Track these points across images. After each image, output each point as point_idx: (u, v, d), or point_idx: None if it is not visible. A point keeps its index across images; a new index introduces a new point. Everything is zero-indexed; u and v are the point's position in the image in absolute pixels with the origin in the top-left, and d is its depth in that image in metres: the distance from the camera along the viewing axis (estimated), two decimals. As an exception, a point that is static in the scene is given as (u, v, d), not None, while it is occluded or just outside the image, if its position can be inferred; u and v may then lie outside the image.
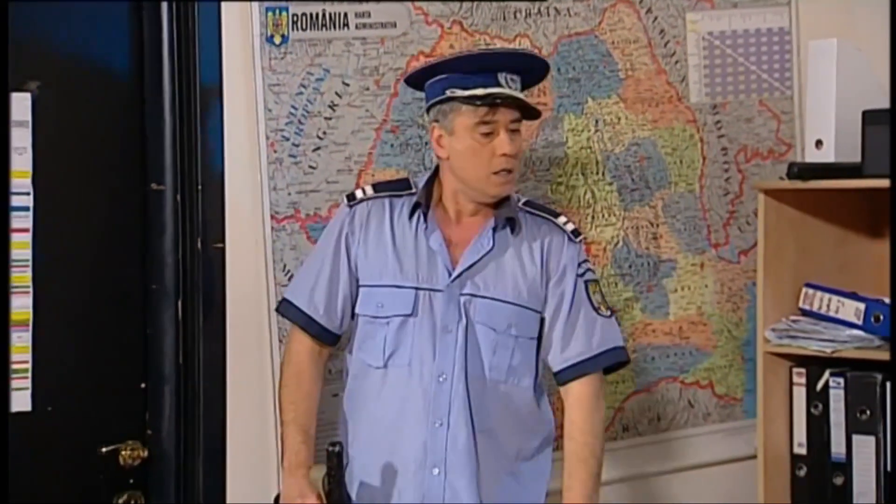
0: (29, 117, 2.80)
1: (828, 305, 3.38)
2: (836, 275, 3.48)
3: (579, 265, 2.92)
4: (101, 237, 2.94)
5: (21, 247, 2.80)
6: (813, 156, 3.40)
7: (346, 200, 2.93)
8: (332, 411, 2.98)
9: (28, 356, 2.81)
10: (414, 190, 2.91)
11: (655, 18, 3.50)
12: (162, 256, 2.98)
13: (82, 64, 2.89)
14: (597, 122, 3.43)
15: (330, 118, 3.11)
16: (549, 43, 3.37)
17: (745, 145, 3.63)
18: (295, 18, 3.06)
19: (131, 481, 2.96)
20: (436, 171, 2.93)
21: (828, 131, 3.37)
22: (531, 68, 2.93)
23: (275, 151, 3.06)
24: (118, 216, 2.96)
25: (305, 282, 2.92)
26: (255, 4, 3.02)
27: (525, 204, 2.96)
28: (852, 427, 3.32)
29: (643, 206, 3.50)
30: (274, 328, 3.05)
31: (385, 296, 2.86)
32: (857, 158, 3.29)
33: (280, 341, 3.04)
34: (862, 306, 3.33)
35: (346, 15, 3.11)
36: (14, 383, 2.79)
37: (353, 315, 2.91)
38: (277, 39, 3.05)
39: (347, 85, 3.11)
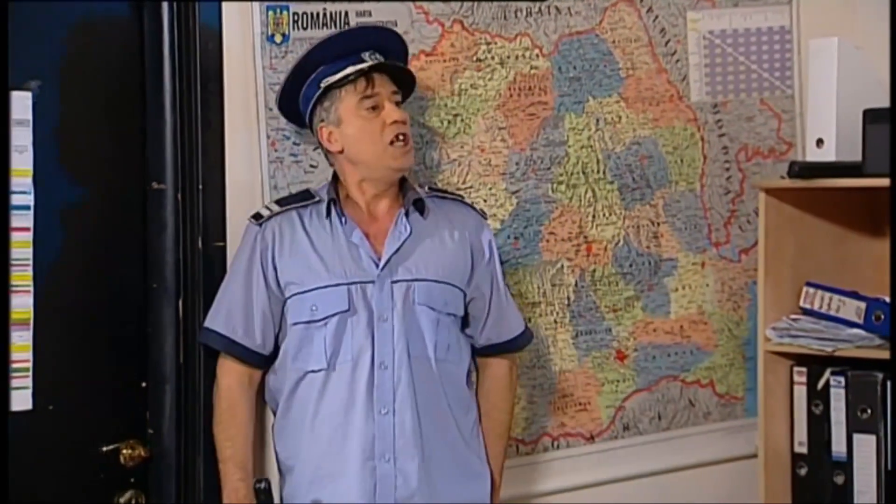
0: (29, 116, 2.80)
1: (828, 304, 3.38)
2: (837, 274, 3.48)
3: (493, 242, 3.02)
4: (101, 236, 2.93)
5: (21, 246, 2.80)
6: (814, 155, 3.40)
7: (253, 220, 2.93)
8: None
9: (29, 355, 2.81)
10: (318, 198, 2.93)
11: (656, 17, 3.50)
12: (162, 255, 2.98)
13: (84, 61, 2.89)
14: (597, 121, 3.43)
15: (330, 117, 3.10)
16: (550, 42, 3.36)
17: (745, 144, 3.63)
18: (296, 17, 3.06)
19: (132, 480, 2.96)
20: (335, 177, 2.95)
21: (828, 130, 3.37)
22: (390, 43, 2.97)
23: (275, 150, 3.06)
24: (119, 215, 2.96)
25: (221, 306, 2.91)
26: (256, 3, 3.02)
27: (430, 189, 3.03)
28: (853, 426, 3.32)
29: (644, 204, 3.50)
30: (274, 327, 3.04)
31: (317, 298, 2.86)
32: (858, 157, 3.28)
33: (280, 340, 3.04)
34: (863, 305, 3.33)
35: (346, 14, 3.11)
36: (15, 382, 2.78)
37: (276, 332, 2.90)
38: (278, 38, 3.05)
39: (347, 84, 3.11)
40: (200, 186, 2.97)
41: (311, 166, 3.09)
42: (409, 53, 3.06)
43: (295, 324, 2.88)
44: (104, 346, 2.94)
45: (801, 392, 3.40)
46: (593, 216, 3.43)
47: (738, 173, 3.62)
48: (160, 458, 2.97)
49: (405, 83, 2.96)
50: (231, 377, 2.90)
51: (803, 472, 3.41)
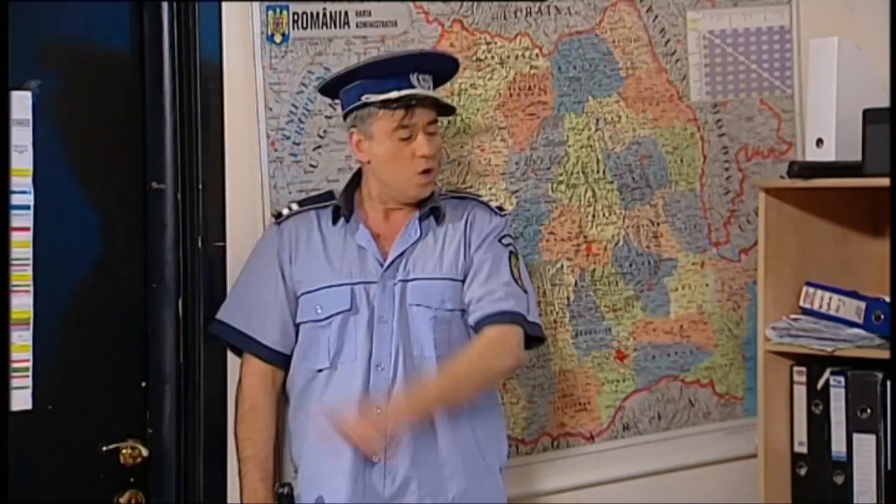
0: (30, 116, 2.80)
1: (828, 304, 3.38)
2: (837, 273, 3.48)
3: (504, 236, 2.97)
4: (101, 236, 2.93)
5: (21, 245, 2.80)
6: (813, 154, 3.40)
7: (273, 219, 2.96)
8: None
9: (29, 355, 2.81)
10: (337, 200, 2.95)
11: (656, 17, 3.50)
12: (163, 255, 2.98)
13: (84, 62, 2.89)
14: (597, 120, 3.43)
15: (330, 117, 3.11)
16: (550, 42, 3.36)
17: (745, 144, 3.63)
18: (295, 17, 3.06)
19: (132, 480, 2.95)
20: (357, 175, 2.97)
21: (828, 130, 3.37)
22: (441, 67, 2.97)
23: (275, 150, 3.06)
24: (119, 215, 2.96)
25: (240, 304, 2.93)
26: (256, 3, 3.02)
27: (451, 192, 3.04)
28: (853, 426, 3.32)
29: (644, 204, 3.50)
30: (274, 327, 3.04)
31: (322, 297, 2.88)
32: (858, 157, 3.28)
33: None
34: (862, 305, 3.33)
35: (346, 14, 3.11)
36: (15, 382, 2.78)
37: (295, 331, 2.92)
38: (278, 38, 3.05)
39: (348, 84, 3.11)
40: (200, 186, 2.97)
41: (311, 166, 3.09)
42: (458, 66, 3.04)
43: (303, 323, 2.90)
44: (104, 346, 2.94)
45: (800, 392, 3.40)
46: (593, 216, 3.43)
47: (737, 173, 3.62)
48: (160, 458, 2.97)
49: (445, 108, 2.96)
50: (254, 378, 2.92)
51: (803, 471, 3.41)
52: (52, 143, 2.84)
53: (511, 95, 3.32)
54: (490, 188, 3.29)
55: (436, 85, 2.94)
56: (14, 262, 2.78)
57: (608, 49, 3.44)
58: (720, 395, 3.61)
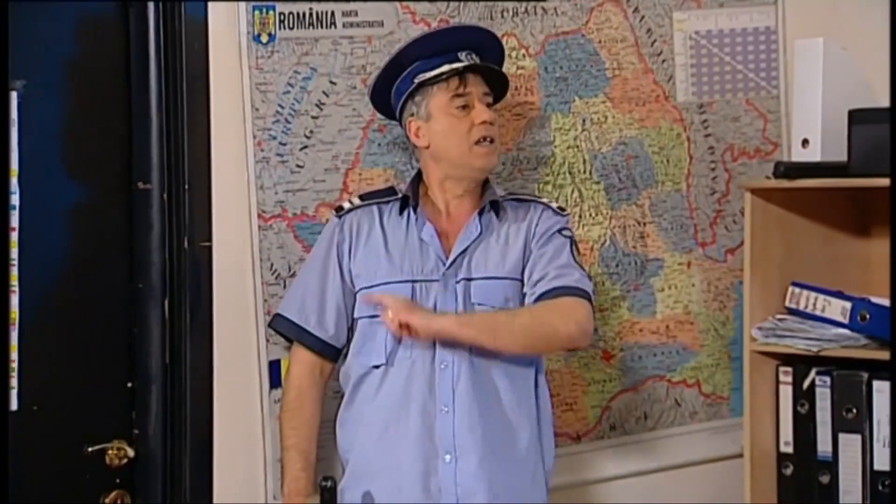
0: (15, 115, 2.79)
1: (814, 304, 3.39)
2: (823, 274, 3.49)
3: (564, 229, 2.96)
4: (87, 236, 2.93)
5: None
6: (799, 155, 3.40)
7: (334, 213, 2.97)
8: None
9: (14, 355, 2.80)
10: (399, 195, 2.95)
11: (642, 18, 3.51)
12: (149, 255, 2.97)
13: (70, 62, 2.89)
14: (584, 121, 3.44)
15: (317, 117, 3.11)
16: (537, 42, 3.37)
17: (731, 144, 3.63)
18: (282, 17, 3.06)
19: (118, 481, 2.95)
20: (418, 174, 2.97)
21: (814, 130, 3.38)
22: (487, 44, 2.99)
23: (262, 150, 3.05)
24: (105, 215, 2.95)
25: (295, 295, 2.95)
26: (242, 3, 3.02)
27: (510, 194, 3.03)
28: (838, 425, 3.33)
29: (630, 205, 3.50)
30: (261, 327, 3.04)
31: (381, 293, 2.86)
32: (844, 157, 3.29)
33: (267, 340, 3.04)
34: (848, 305, 3.33)
35: (333, 14, 3.11)
36: (0, 382, 2.78)
37: (350, 325, 2.92)
38: (264, 38, 3.05)
39: (334, 84, 3.11)
40: (186, 186, 2.97)
41: (298, 166, 3.09)
42: (505, 54, 3.07)
43: (360, 318, 2.90)
44: (90, 347, 2.94)
45: (786, 392, 3.41)
46: (580, 216, 3.43)
47: (723, 173, 3.63)
48: (146, 459, 2.97)
49: (498, 85, 2.98)
50: (302, 367, 2.92)
51: (789, 471, 3.41)
52: (37, 143, 2.84)
53: (497, 96, 3.32)
54: (476, 188, 3.29)
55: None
56: (-1, 262, 2.78)
57: (595, 49, 3.44)
58: (706, 395, 3.62)
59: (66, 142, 2.89)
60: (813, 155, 3.37)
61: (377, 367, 2.86)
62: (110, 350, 2.96)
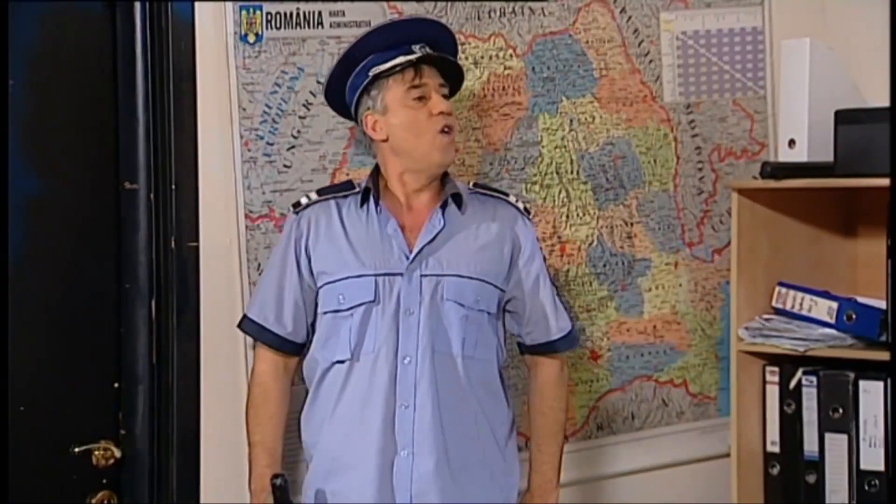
0: (1, 115, 2.79)
1: (801, 304, 3.39)
2: (809, 274, 3.49)
3: (536, 239, 3.00)
4: (74, 236, 2.92)
5: (-7, 246, 2.79)
6: (786, 155, 3.41)
7: (291, 209, 2.95)
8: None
9: (0, 356, 2.80)
10: (358, 189, 2.94)
11: (629, 18, 3.51)
12: (135, 255, 2.97)
13: (56, 61, 2.88)
14: (571, 121, 3.44)
15: (304, 117, 3.10)
16: (524, 42, 3.37)
17: (718, 144, 3.64)
18: (269, 17, 3.06)
19: (104, 481, 2.95)
20: (377, 168, 2.96)
21: (801, 131, 3.39)
22: (440, 37, 2.97)
23: (249, 150, 3.05)
24: (91, 215, 2.95)
25: (258, 295, 2.94)
26: (229, 3, 3.01)
27: (475, 185, 3.02)
28: (825, 425, 3.33)
29: (617, 205, 3.50)
30: (248, 327, 3.04)
31: (345, 288, 2.86)
32: (830, 158, 3.30)
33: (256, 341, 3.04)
34: (834, 305, 3.34)
35: (320, 14, 3.11)
36: (-16, 382, 2.77)
37: (310, 321, 2.92)
38: (251, 38, 3.04)
39: (322, 84, 3.10)
40: (173, 186, 2.97)
41: (285, 166, 3.08)
42: (458, 48, 3.06)
43: (324, 313, 2.89)
44: (76, 347, 2.93)
45: (773, 391, 3.41)
46: (567, 216, 3.44)
47: (710, 174, 3.63)
48: (133, 459, 2.96)
49: (453, 77, 2.96)
50: (265, 364, 2.92)
51: (775, 471, 3.42)
52: (24, 143, 2.83)
53: (485, 96, 3.32)
54: (464, 188, 3.29)
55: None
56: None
57: (582, 50, 3.44)
58: (693, 394, 3.62)
59: (52, 142, 2.88)
60: (799, 155, 3.38)
61: (341, 362, 2.85)
62: (97, 350, 2.95)
